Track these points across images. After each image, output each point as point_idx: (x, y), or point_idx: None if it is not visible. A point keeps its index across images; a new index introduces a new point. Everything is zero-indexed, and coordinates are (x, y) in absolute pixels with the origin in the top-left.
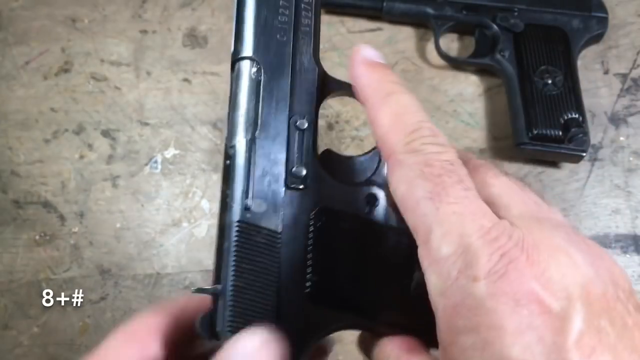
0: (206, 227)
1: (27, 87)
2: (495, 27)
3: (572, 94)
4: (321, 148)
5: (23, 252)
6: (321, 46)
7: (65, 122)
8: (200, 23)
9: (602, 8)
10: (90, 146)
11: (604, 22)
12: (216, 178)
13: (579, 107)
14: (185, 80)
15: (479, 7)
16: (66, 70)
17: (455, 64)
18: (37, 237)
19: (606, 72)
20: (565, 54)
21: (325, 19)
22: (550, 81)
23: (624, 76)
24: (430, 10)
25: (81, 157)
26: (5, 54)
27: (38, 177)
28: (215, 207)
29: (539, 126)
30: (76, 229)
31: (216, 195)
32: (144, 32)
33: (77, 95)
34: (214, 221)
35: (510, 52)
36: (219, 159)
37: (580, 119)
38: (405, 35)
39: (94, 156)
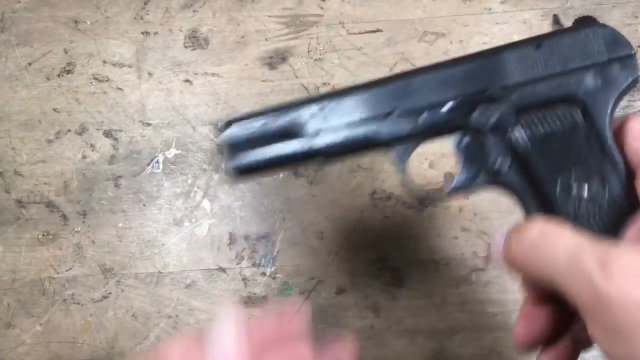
0: (207, 227)
1: (30, 88)
2: (474, 127)
3: (622, 199)
4: None
5: (26, 251)
6: (320, 47)
7: (68, 123)
8: (202, 24)
9: (621, 42)
10: (92, 146)
11: (630, 62)
12: (217, 178)
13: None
14: (187, 81)
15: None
16: (69, 71)
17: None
18: (40, 237)
19: None
20: (592, 132)
21: (324, 20)
22: (585, 189)
23: None
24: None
25: (83, 157)
26: (8, 55)
27: (41, 177)
28: (216, 206)
29: None
30: (79, 228)
31: (217, 195)
32: (146, 33)
33: (79, 96)
34: (215, 220)
35: (511, 160)
36: (220, 159)
37: None
38: (405, 36)
39: (97, 156)
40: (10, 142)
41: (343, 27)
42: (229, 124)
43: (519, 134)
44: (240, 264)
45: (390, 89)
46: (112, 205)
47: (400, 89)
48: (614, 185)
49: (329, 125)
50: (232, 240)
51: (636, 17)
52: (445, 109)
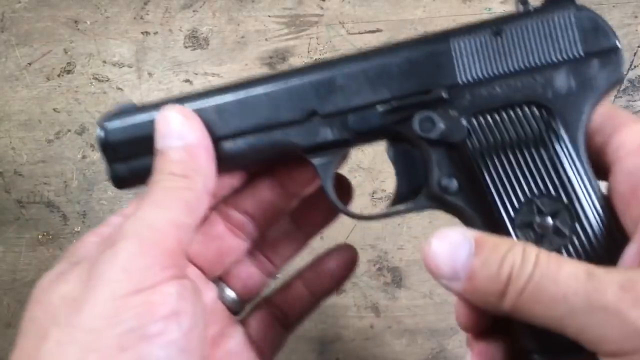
0: None
1: (30, 88)
2: (414, 139)
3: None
4: None
5: (26, 251)
6: (320, 47)
7: (68, 123)
8: (202, 24)
9: (601, 31)
10: (92, 146)
11: (613, 58)
12: None
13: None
14: (187, 81)
15: (366, 113)
16: (69, 72)
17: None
18: (40, 237)
19: None
20: (562, 147)
21: (324, 20)
22: (549, 222)
23: None
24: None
25: (83, 157)
26: (8, 55)
27: (41, 177)
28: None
29: None
30: (79, 229)
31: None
32: (146, 33)
33: (79, 96)
34: None
35: (459, 181)
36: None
37: None
38: (405, 36)
39: (97, 156)
40: (10, 142)
41: (343, 27)
42: (109, 118)
43: (470, 150)
44: None
45: (309, 84)
46: (112, 205)
47: (321, 84)
48: (589, 215)
49: (229, 130)
50: None
51: (636, 17)
52: (377, 112)
